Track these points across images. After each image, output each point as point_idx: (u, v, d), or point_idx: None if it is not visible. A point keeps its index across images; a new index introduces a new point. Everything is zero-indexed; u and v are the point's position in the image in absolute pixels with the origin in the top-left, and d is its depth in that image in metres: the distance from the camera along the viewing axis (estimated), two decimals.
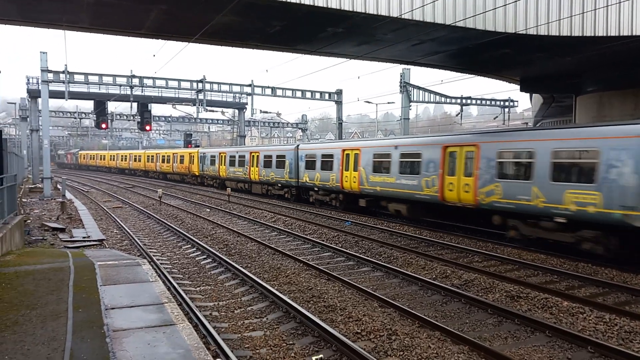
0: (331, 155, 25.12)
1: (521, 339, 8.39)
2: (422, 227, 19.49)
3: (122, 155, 70.59)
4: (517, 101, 45.28)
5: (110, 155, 75.61)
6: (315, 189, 26.73)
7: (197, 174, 44.20)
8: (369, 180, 21.94)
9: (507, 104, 44.12)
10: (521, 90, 25.85)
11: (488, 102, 44.52)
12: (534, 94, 32.95)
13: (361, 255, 14.52)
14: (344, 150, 24.08)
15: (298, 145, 28.83)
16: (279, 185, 30.69)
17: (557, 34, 15.98)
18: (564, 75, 22.30)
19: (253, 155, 33.46)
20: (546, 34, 15.93)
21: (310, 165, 26.89)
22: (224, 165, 38.15)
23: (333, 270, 13.08)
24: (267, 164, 31.48)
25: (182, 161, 48.05)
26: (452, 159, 17.54)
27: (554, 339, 8.26)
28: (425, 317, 9.09)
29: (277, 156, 30.32)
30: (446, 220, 19.56)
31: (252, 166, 33.46)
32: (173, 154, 51.42)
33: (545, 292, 10.61)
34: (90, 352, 5.72)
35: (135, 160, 64.16)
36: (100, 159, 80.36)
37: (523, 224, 15.24)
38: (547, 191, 14.02)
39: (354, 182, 23.03)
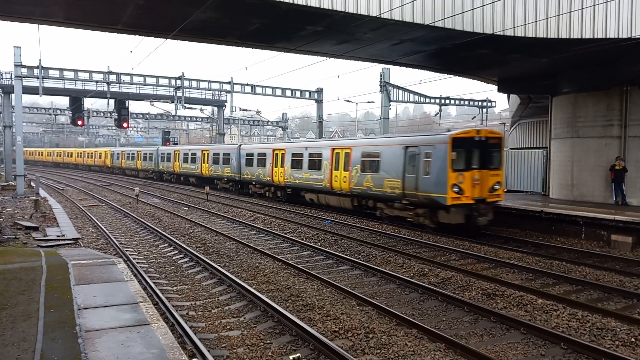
0: (265, 154, 29.43)
1: (497, 336, 8.49)
2: (401, 225, 19.60)
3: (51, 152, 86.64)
4: (495, 101, 45.88)
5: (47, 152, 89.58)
6: (253, 182, 31.06)
7: (155, 169, 48.91)
8: (291, 175, 26.47)
9: (485, 104, 44.66)
10: (499, 90, 26.10)
11: (467, 103, 44.98)
12: (511, 95, 33.34)
13: (340, 254, 14.53)
14: (274, 150, 28.45)
15: (240, 145, 33.01)
16: (225, 179, 34.96)
17: (534, 36, 16.18)
18: (540, 76, 22.61)
19: (204, 153, 37.56)
20: (523, 35, 16.12)
21: (249, 162, 31.25)
22: (179, 162, 42.29)
23: (312, 269, 13.06)
24: (216, 160, 35.80)
25: (133, 158, 53.99)
26: (336, 158, 22.88)
27: (529, 336, 8.38)
28: (402, 315, 9.13)
29: (224, 154, 34.71)
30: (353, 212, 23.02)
31: (204, 162, 37.61)
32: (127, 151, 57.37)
33: (520, 290, 10.76)
34: (62, 353, 5.60)
35: (67, 156, 78.42)
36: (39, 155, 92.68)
37: (386, 206, 20.28)
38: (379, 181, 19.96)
39: (281, 176, 27.51)
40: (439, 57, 20.97)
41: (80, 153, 74.79)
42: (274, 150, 28.38)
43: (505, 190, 24.85)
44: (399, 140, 19.79)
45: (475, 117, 47.36)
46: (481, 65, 22.06)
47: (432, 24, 15.27)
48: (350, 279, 12.29)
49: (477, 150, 17.52)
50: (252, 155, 30.96)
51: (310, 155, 24.96)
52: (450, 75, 26.04)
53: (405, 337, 8.24)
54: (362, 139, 27.89)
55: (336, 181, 22.82)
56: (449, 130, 18.34)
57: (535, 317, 9.30)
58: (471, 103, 44.95)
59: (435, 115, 44.26)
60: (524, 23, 16.07)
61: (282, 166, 27.29)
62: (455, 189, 16.88)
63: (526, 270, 12.85)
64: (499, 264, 13.52)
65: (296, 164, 26.04)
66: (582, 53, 16.89)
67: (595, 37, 16.13)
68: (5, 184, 37.49)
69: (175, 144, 59.68)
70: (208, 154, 36.81)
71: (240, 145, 33.15)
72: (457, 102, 44.36)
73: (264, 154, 29.43)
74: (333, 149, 23.26)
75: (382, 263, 13.76)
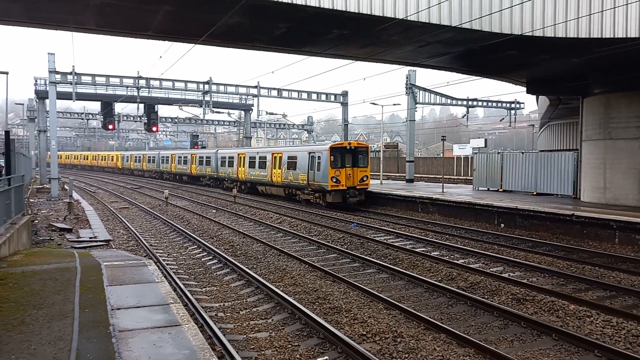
0: (233, 157, 38.25)
1: (527, 342, 8.34)
2: (428, 229, 19.46)
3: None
4: (523, 103, 45.21)
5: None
6: (226, 179, 40.02)
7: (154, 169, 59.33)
8: (249, 173, 35.13)
9: (513, 106, 43.97)
10: (527, 92, 25.67)
11: (494, 104, 44.37)
12: (540, 96, 32.75)
13: (366, 257, 14.50)
14: (239, 154, 37.17)
15: (217, 150, 43.19)
16: (207, 177, 44.39)
17: (564, 36, 15.87)
18: (570, 77, 22.12)
19: (193, 156, 47.97)
20: (552, 35, 15.82)
21: (222, 164, 40.20)
22: (174, 163, 52.78)
23: (338, 271, 13.07)
24: (201, 162, 45.22)
25: (139, 160, 64.21)
26: (274, 160, 31.26)
27: (561, 342, 8.21)
28: (430, 319, 9.06)
29: (206, 157, 44.19)
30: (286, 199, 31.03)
31: (192, 164, 47.52)
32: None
33: (551, 295, 10.56)
34: (96, 352, 5.74)
35: (83, 158, 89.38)
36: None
37: (301, 192, 28.86)
38: (294, 175, 28.89)
39: (242, 174, 36.31)
40: (466, 59, 20.76)
41: (95, 156, 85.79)
42: (238, 154, 37.28)
43: (535, 192, 24.51)
44: (306, 149, 28.65)
45: (503, 118, 46.69)
46: (509, 66, 21.74)
47: (459, 26, 15.14)
48: (377, 282, 12.25)
49: (349, 155, 26.60)
50: (224, 158, 39.92)
51: (260, 158, 33.45)
52: (478, 77, 25.75)
53: (433, 341, 8.18)
54: (288, 147, 40.76)
55: (274, 176, 31.42)
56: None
57: (567, 323, 9.10)
58: (499, 105, 44.32)
59: (463, 117, 43.68)
60: (554, 23, 15.78)
61: (243, 166, 36.18)
62: (334, 180, 25.86)
63: (557, 274, 12.59)
64: (529, 268, 13.29)
65: (251, 164, 34.74)
66: (614, 53, 16.50)
67: (629, 36, 15.73)
68: (40, 186, 38.61)
69: (204, 147, 62.26)
70: (195, 156, 47.12)
71: (217, 150, 44.18)
72: (484, 103, 43.81)
73: (232, 157, 38.34)
74: (272, 154, 31.65)
75: (409, 267, 13.68)
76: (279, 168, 30.47)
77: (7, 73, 28.66)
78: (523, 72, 23.19)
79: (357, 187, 26.50)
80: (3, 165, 14.41)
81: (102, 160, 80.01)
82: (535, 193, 24.76)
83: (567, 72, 21.90)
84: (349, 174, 26.36)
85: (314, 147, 28.05)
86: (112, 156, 76.02)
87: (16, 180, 14.82)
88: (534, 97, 34.31)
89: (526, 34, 15.77)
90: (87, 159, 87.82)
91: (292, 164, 29.15)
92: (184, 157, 50.37)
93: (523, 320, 9.09)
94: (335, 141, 31.95)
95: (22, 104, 59.51)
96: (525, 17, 15.79)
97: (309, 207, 27.58)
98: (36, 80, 41.97)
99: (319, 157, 26.48)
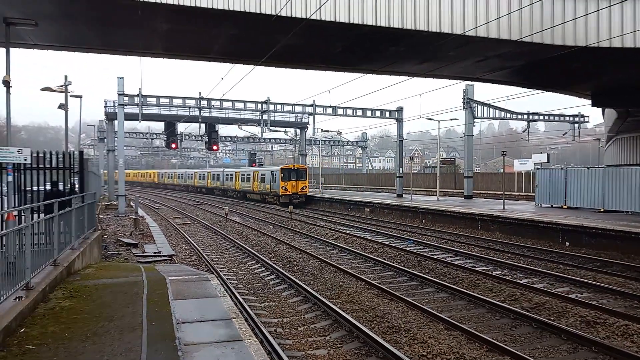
0: (232, 174, 54.93)
1: None
2: (489, 247, 18.92)
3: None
4: (588, 116, 43.07)
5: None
6: (228, 190, 56.47)
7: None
8: (241, 185, 51.22)
9: (577, 119, 42.19)
10: (593, 105, 24.68)
11: (556, 118, 42.75)
12: (606, 109, 31.31)
13: (425, 275, 14.26)
14: (236, 172, 53.99)
15: (224, 170, 59.69)
16: (218, 189, 60.33)
17: (632, 46, 15.20)
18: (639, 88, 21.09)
19: (195, 173, 70.46)
20: (620, 46, 15.19)
21: (227, 179, 56.58)
22: (196, 179, 70.07)
23: (396, 290, 12.92)
24: (214, 177, 62.13)
25: (170, 177, 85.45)
26: (254, 176, 47.33)
27: None
28: (494, 340, 8.78)
29: (215, 174, 61.74)
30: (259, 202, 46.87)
31: (208, 179, 64.34)
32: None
33: (625, 319, 9.97)
34: None
35: (133, 175, 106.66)
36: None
37: (267, 197, 44.73)
38: (256, 185, 46.99)
39: (237, 185, 52.37)
40: (527, 73, 20.26)
41: (136, 174, 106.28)
42: (236, 172, 53.92)
43: (602, 209, 23.33)
44: (269, 169, 44.71)
45: (566, 132, 44.86)
46: (573, 79, 21.02)
47: (519, 40, 14.83)
48: (437, 302, 12.01)
49: (293, 172, 41.59)
50: (227, 174, 56.62)
51: (247, 174, 50.33)
52: (539, 91, 25.01)
53: None
54: (261, 167, 56.08)
55: (254, 187, 47.02)
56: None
57: None
58: (561, 118, 42.67)
59: (523, 131, 42.40)
60: (622, 33, 15.16)
61: (237, 180, 52.67)
62: (284, 188, 40.52)
63: (630, 297, 11.88)
64: (599, 289, 12.61)
65: (242, 179, 51.32)
66: None
67: None
68: (108, 203, 40.66)
69: (261, 164, 66.22)
70: (194, 174, 69.88)
71: (224, 169, 60.14)
72: (545, 117, 42.31)
73: (232, 174, 54.85)
74: (253, 172, 48.33)
75: (469, 286, 13.32)
76: (256, 181, 46.50)
77: (80, 97, 30.58)
78: (588, 85, 22.36)
79: (299, 193, 41.83)
80: (74, 183, 15.28)
81: (141, 177, 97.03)
82: (602, 210, 23.55)
83: (637, 83, 20.88)
84: (293, 185, 41.47)
85: (273, 168, 44.73)
86: (150, 174, 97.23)
87: (89, 198, 15.70)
88: (600, 109, 32.84)
89: (591, 45, 15.23)
90: (152, 176, 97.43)
91: (263, 178, 44.82)
92: (202, 174, 69.55)
93: (594, 344, 8.64)
94: (295, 164, 49.55)
95: (93, 125, 63.12)
96: (590, 28, 15.26)
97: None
98: (106, 103, 44.49)
99: (275, 174, 42.12)
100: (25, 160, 12.12)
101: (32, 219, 9.57)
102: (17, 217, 11.55)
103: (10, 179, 12.17)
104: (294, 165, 43.78)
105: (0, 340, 6.24)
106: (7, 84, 11.85)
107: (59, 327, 7.15)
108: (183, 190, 75.26)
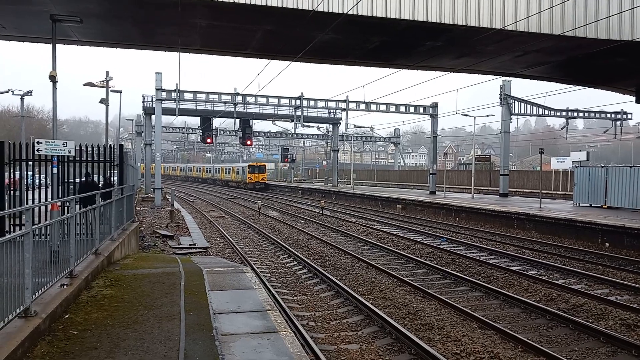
0: (219, 168, 79.40)
1: None
2: (524, 247, 18.56)
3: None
4: (631, 113, 41.54)
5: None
6: (217, 179, 78.95)
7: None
8: (225, 175, 74.83)
9: (619, 116, 40.77)
10: (637, 101, 23.79)
11: (596, 115, 41.40)
12: None
13: (458, 274, 14.12)
14: (222, 167, 78.82)
15: (214, 164, 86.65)
16: (210, 179, 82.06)
17: None
18: None
19: (195, 167, 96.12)
20: None
21: (216, 171, 79.51)
22: (194, 171, 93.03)
23: (429, 287, 12.84)
24: (207, 170, 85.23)
25: (173, 169, 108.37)
26: (234, 170, 72.15)
27: None
28: (529, 341, 8.65)
29: (207, 168, 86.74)
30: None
31: (193, 171, 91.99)
32: None
33: None
34: (202, 354, 6.11)
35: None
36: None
37: (240, 183, 67.86)
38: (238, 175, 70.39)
39: (222, 177, 76.11)
40: (567, 68, 19.72)
41: (168, 167, 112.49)
42: (222, 167, 77.31)
43: None
44: (241, 165, 70.57)
45: (607, 130, 43.40)
46: (617, 74, 20.35)
47: (561, 34, 14.45)
48: (470, 301, 11.89)
49: (257, 167, 65.68)
50: (217, 168, 78.94)
51: (229, 169, 73.66)
52: (580, 87, 24.30)
53: None
54: (237, 164, 79.04)
55: (232, 177, 70.02)
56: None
57: None
58: (602, 115, 41.30)
59: (562, 129, 41.23)
60: None
61: (222, 173, 75.12)
62: (250, 178, 64.00)
63: None
64: None
65: (224, 172, 74.89)
66: None
67: None
68: (144, 196, 41.67)
69: (293, 160, 72.43)
70: (195, 167, 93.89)
71: (214, 164, 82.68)
72: (585, 114, 41.04)
73: (219, 168, 77.81)
74: (232, 167, 73.20)
75: (504, 285, 13.13)
76: (234, 174, 69.24)
77: (120, 92, 31.37)
78: (632, 81, 21.60)
79: (260, 182, 63.79)
80: (110, 176, 15.72)
81: (196, 171, 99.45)
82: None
83: None
84: (256, 176, 63.70)
85: (243, 165, 68.75)
86: (180, 167, 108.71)
87: (127, 190, 16.15)
88: None
89: (637, 39, 14.70)
90: (192, 170, 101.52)
91: (237, 171, 68.42)
92: (198, 168, 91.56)
93: (634, 348, 8.40)
94: (257, 162, 74.52)
95: (132, 120, 64.66)
96: (636, 22, 14.75)
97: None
98: (144, 98, 45.48)
99: (244, 169, 65.12)
100: (69, 152, 12.53)
101: (75, 209, 9.93)
102: (60, 207, 11.99)
103: (54, 170, 12.61)
104: (257, 163, 68.28)
105: (46, 326, 6.50)
106: (53, 79, 12.24)
107: (101, 314, 7.41)
108: (209, 183, 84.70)
